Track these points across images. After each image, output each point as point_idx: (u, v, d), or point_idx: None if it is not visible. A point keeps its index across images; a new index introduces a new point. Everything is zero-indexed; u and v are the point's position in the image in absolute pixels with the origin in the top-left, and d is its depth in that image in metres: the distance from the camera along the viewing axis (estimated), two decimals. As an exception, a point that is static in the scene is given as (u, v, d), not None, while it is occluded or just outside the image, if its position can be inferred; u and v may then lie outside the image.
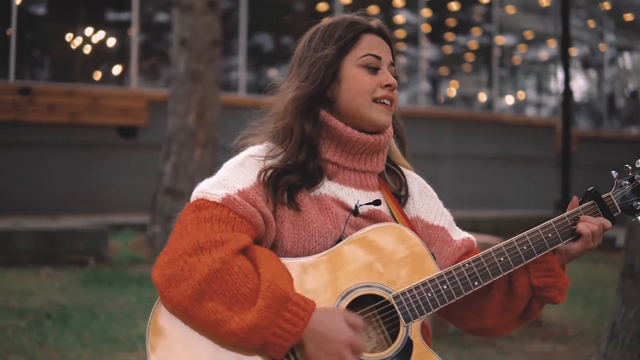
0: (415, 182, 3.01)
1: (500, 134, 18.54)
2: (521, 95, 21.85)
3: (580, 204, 2.91)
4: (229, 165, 2.76)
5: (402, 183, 2.95)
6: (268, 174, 2.70)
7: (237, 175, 2.70)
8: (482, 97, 20.37)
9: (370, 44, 2.81)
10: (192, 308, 2.48)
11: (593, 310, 9.01)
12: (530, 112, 21.99)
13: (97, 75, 15.17)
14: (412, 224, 2.88)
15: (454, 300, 2.71)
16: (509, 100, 20.99)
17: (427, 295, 2.68)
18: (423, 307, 2.67)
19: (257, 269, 2.51)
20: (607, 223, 2.86)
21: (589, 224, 2.82)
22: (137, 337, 6.56)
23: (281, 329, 2.44)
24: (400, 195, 2.93)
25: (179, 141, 10.77)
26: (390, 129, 2.87)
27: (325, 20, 2.90)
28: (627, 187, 2.92)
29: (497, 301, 2.90)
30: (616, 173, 2.95)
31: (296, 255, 2.67)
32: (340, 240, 2.69)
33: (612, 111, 23.41)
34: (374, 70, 2.80)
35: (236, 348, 2.51)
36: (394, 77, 2.84)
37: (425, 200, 3.00)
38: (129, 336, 6.66)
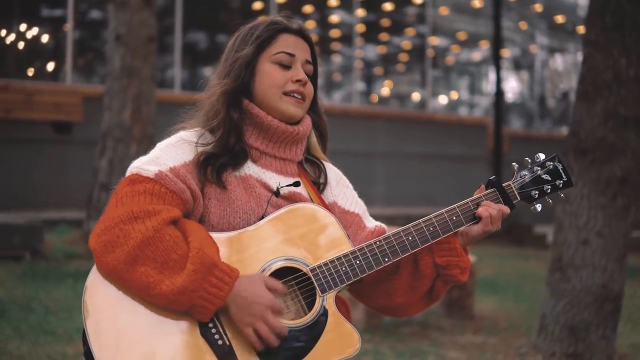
0: (333, 172, 3.31)
1: (433, 133, 18.74)
2: (454, 95, 22.09)
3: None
4: (161, 146, 2.99)
5: (322, 171, 3.24)
6: (202, 157, 2.95)
7: (169, 154, 2.94)
8: (416, 96, 20.56)
9: (285, 43, 3.09)
10: (126, 272, 2.70)
11: (524, 304, 9.23)
12: (463, 111, 22.22)
13: (31, 71, 15.07)
14: (329, 207, 3.16)
15: (366, 274, 2.98)
16: (443, 100, 21.20)
17: (342, 269, 2.94)
18: (337, 280, 2.93)
19: (187, 238, 2.75)
20: (506, 209, 3.13)
21: (488, 208, 3.10)
22: (75, 330, 6.58)
23: (208, 293, 2.69)
24: (319, 182, 3.22)
25: (114, 137, 10.76)
26: (309, 122, 3.16)
27: (256, 21, 3.19)
28: (526, 177, 3.21)
29: (405, 279, 3.16)
30: (517, 165, 3.23)
31: (222, 230, 2.91)
32: (262, 218, 2.94)
33: (543, 111, 23.76)
34: (286, 67, 3.08)
35: (165, 311, 2.74)
36: (310, 75, 3.13)
37: (341, 189, 3.29)
38: (66, 329, 6.69)
